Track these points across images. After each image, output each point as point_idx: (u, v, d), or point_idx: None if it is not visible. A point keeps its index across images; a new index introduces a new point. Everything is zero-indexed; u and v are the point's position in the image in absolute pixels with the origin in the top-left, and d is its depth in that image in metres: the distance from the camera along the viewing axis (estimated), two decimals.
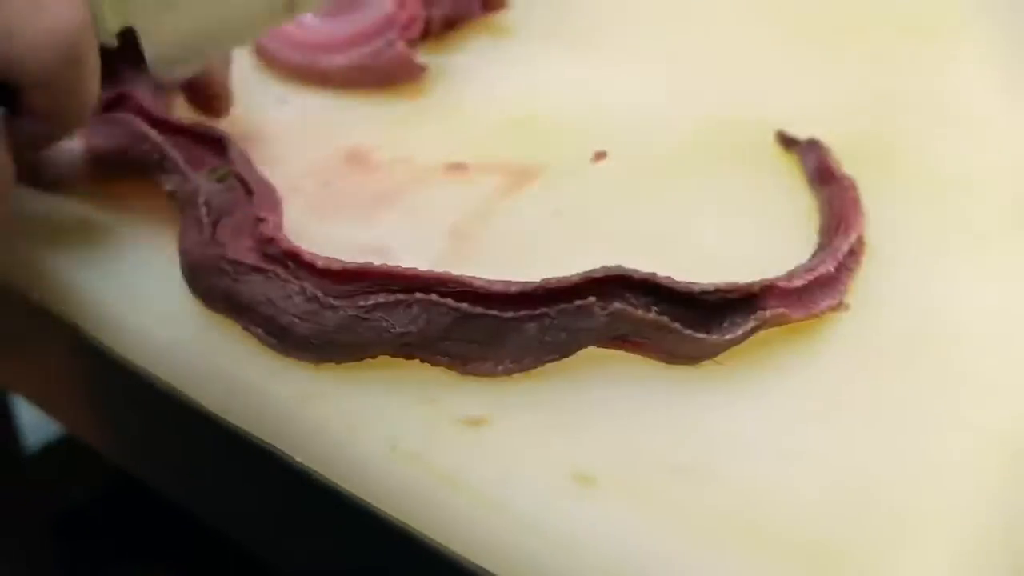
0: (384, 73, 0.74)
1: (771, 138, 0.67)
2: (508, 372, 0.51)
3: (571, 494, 0.47)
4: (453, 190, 0.65)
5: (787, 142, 0.66)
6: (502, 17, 0.80)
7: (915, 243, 0.60)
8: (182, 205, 0.56)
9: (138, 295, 0.59)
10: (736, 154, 0.67)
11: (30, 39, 0.48)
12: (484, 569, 0.48)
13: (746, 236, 0.60)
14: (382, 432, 0.51)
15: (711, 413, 0.51)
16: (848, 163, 0.63)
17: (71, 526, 1.12)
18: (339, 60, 0.74)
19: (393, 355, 0.51)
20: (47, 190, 0.61)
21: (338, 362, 0.52)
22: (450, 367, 0.51)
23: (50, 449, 1.08)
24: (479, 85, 0.75)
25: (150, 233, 0.62)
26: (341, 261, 0.51)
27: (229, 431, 0.55)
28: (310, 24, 0.75)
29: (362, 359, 0.51)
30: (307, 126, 0.71)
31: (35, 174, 0.59)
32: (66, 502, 1.10)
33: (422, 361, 0.51)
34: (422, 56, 0.74)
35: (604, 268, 0.50)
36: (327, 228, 0.61)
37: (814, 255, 0.56)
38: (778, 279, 0.52)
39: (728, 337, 0.51)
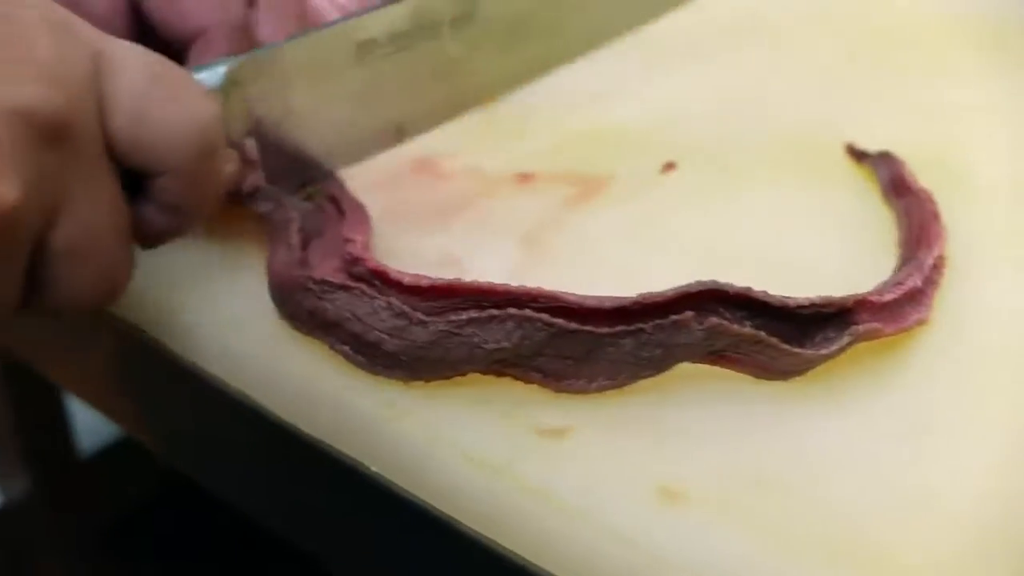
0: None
1: (840, 150, 0.66)
2: (601, 389, 0.49)
3: (658, 507, 0.46)
4: (523, 200, 0.64)
5: (858, 155, 0.65)
6: None
7: (991, 255, 0.59)
8: (273, 227, 0.55)
9: (216, 302, 0.58)
10: (805, 166, 0.66)
11: (165, 127, 0.48)
12: None
13: (816, 248, 0.59)
14: (461, 444, 0.50)
15: (799, 427, 0.49)
16: (919, 175, 0.62)
17: (125, 530, 1.10)
18: None
19: (483, 372, 0.50)
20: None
21: (427, 379, 0.50)
22: (542, 384, 0.50)
23: (104, 453, 1.06)
24: (546, 94, 0.72)
25: (233, 250, 0.60)
26: (429, 278, 0.50)
27: (306, 442, 0.54)
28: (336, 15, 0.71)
29: (451, 376, 0.50)
30: None
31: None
32: (120, 506, 1.08)
33: (514, 379, 0.50)
34: None
35: (699, 283, 0.48)
36: (397, 237, 0.60)
37: (899, 269, 0.55)
38: (869, 293, 0.51)
39: (824, 352, 0.49)
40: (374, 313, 0.50)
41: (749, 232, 0.61)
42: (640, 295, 0.48)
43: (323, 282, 0.51)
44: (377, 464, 0.52)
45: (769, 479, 0.47)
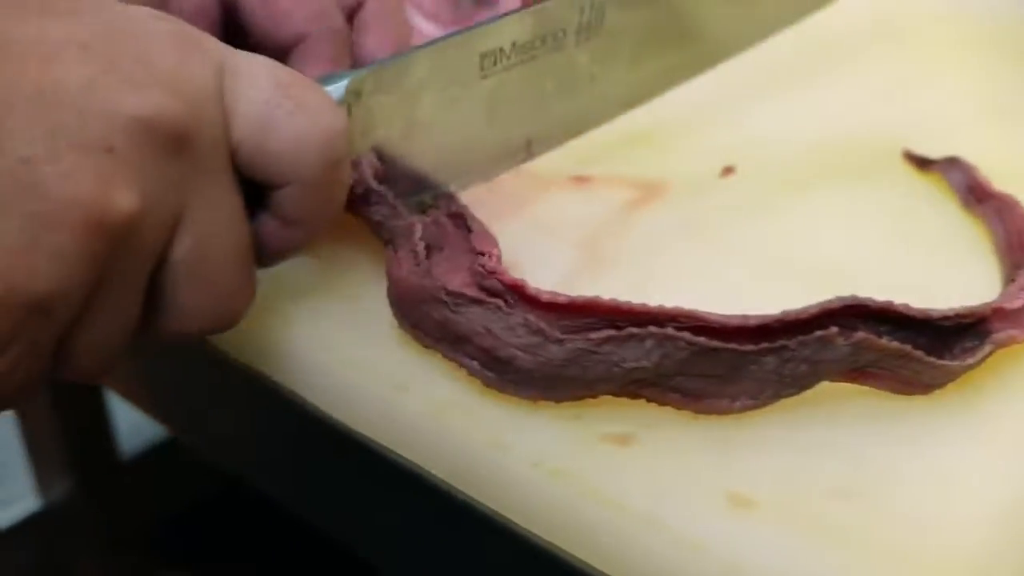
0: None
1: (899, 154, 0.64)
2: (744, 408, 0.47)
3: (728, 515, 0.45)
4: (579, 203, 0.62)
5: (920, 162, 0.63)
6: None
7: None
8: (391, 236, 0.53)
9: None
10: (865, 170, 0.64)
11: (292, 137, 0.45)
12: None
13: (878, 251, 0.58)
14: (526, 449, 0.48)
15: (874, 438, 0.48)
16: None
17: (166, 532, 1.09)
18: None
19: (617, 394, 0.48)
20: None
21: (558, 400, 0.48)
22: (681, 405, 0.48)
23: (146, 456, 1.05)
24: None
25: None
26: (567, 295, 0.47)
27: (363, 444, 0.53)
28: (432, 32, 0.69)
29: (584, 397, 0.48)
30: None
31: None
32: (161, 509, 1.07)
33: (648, 400, 0.48)
34: None
35: (840, 298, 0.47)
36: None
37: (1007, 276, 0.53)
38: (999, 301, 0.49)
39: (969, 362, 0.48)
40: (509, 329, 0.48)
41: (811, 237, 0.59)
42: (782, 312, 0.46)
43: (457, 294, 0.49)
44: (440, 469, 0.50)
45: (839, 488, 0.46)
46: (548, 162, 0.64)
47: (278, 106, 0.45)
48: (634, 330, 0.46)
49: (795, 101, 0.70)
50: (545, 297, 0.47)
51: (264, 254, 0.48)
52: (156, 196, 0.42)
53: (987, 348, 0.48)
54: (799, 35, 0.75)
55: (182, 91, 0.43)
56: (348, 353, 0.53)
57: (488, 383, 0.49)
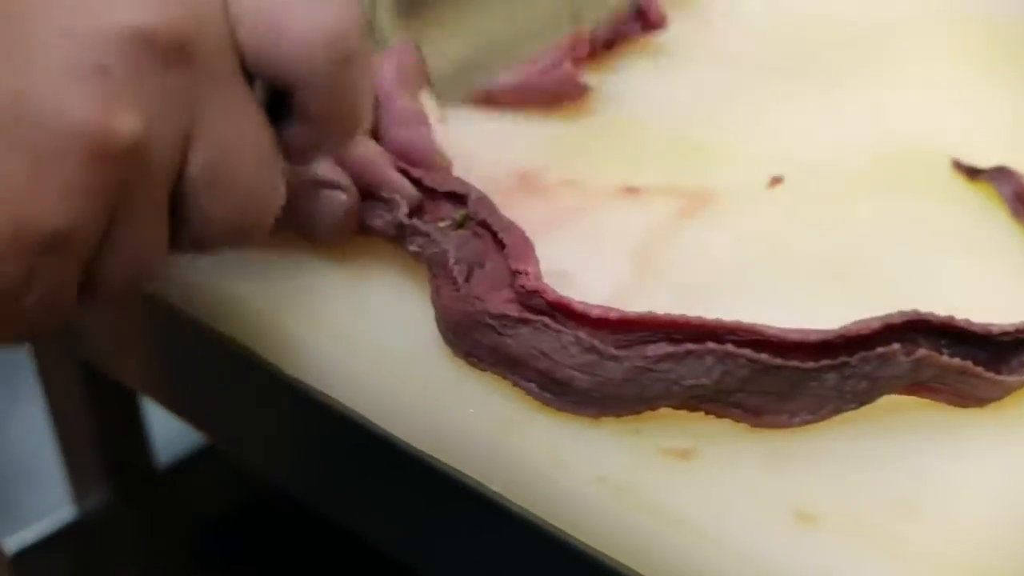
0: (550, 93, 0.70)
1: (947, 162, 0.64)
2: (804, 423, 0.47)
3: (791, 530, 0.45)
4: (628, 214, 0.62)
5: (968, 171, 0.62)
6: (656, 37, 0.76)
7: None
8: (430, 264, 0.53)
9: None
10: (913, 179, 0.64)
11: (298, 37, 0.42)
12: None
13: (927, 260, 0.57)
14: (587, 465, 0.48)
15: (934, 451, 0.48)
16: None
17: (203, 541, 1.08)
18: (505, 80, 0.70)
19: (676, 407, 0.48)
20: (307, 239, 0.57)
21: (618, 415, 0.48)
22: (740, 419, 0.47)
23: (182, 465, 1.04)
24: (643, 106, 0.71)
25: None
26: (618, 311, 0.47)
27: (424, 462, 0.52)
28: None
29: (643, 412, 0.48)
30: (476, 146, 0.67)
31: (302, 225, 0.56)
32: (198, 518, 1.07)
33: (707, 413, 0.48)
34: (584, 77, 0.71)
35: (901, 313, 0.46)
36: None
37: None
38: None
39: None
40: (562, 348, 0.47)
41: (859, 247, 0.59)
42: (843, 328, 0.46)
43: (501, 316, 0.49)
44: (498, 482, 0.50)
45: (902, 502, 0.45)
46: (593, 173, 0.65)
47: (285, 6, 0.43)
48: (692, 346, 0.46)
49: (842, 111, 0.70)
50: (595, 313, 0.47)
51: (292, 156, 0.46)
52: (161, 112, 0.40)
53: None
54: (843, 44, 0.75)
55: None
56: (404, 371, 0.53)
57: (547, 403, 0.49)
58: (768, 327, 0.46)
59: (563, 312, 0.48)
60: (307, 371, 0.57)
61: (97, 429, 1.00)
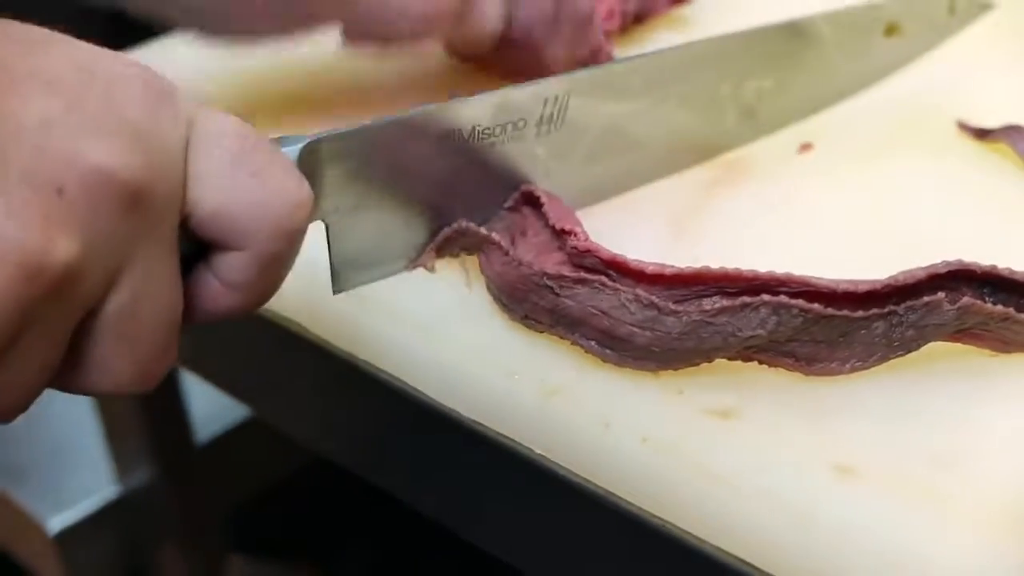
0: (583, 66, 0.68)
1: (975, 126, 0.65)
2: (854, 370, 0.49)
3: (832, 484, 0.46)
4: (665, 181, 0.63)
5: (977, 132, 0.64)
6: (683, 10, 0.78)
7: None
8: (475, 245, 0.55)
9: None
10: (938, 142, 0.65)
11: (251, 203, 0.44)
12: (742, 559, 0.47)
13: (956, 219, 0.59)
14: (632, 425, 0.50)
15: (972, 402, 0.49)
16: None
17: (245, 516, 1.10)
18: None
19: (731, 359, 0.50)
20: None
21: (675, 368, 0.50)
22: (792, 368, 0.50)
23: (221, 441, 1.06)
24: None
25: None
26: (672, 266, 0.49)
27: (471, 429, 0.54)
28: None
29: (699, 364, 0.50)
30: None
31: None
32: (240, 493, 1.08)
33: (761, 363, 0.50)
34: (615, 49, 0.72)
35: (946, 263, 0.49)
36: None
37: None
38: None
39: None
40: (621, 306, 0.49)
41: (890, 209, 0.60)
42: (890, 278, 0.48)
43: (559, 276, 0.51)
44: (546, 449, 0.52)
45: (939, 453, 0.47)
46: None
47: (241, 170, 0.44)
48: (747, 299, 0.48)
49: None
50: (651, 269, 0.49)
51: (195, 313, 0.46)
52: (99, 249, 0.40)
53: None
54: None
55: (147, 145, 0.41)
56: (453, 339, 0.55)
57: (607, 360, 0.51)
58: (819, 279, 0.48)
59: (618, 270, 0.50)
60: (356, 344, 0.59)
61: (139, 408, 1.01)
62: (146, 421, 1.02)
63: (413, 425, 0.59)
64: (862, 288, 0.48)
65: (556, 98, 0.56)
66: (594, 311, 0.50)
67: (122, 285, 0.41)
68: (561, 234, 0.52)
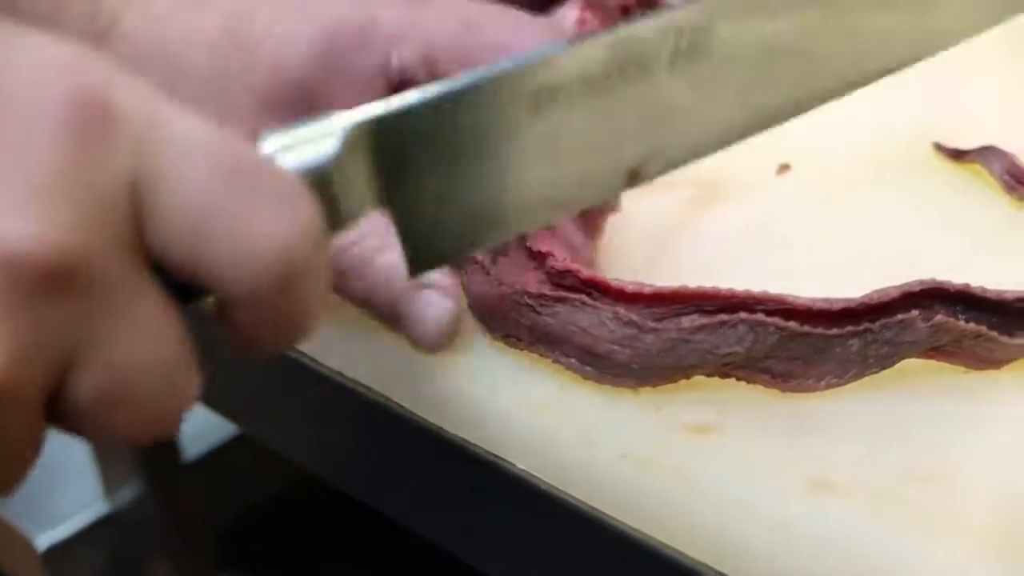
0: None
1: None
2: (830, 386, 0.51)
3: (809, 498, 0.47)
4: (644, 202, 0.62)
5: (953, 153, 0.65)
6: None
7: None
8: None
9: None
10: (916, 164, 0.66)
11: (231, 243, 0.35)
12: (722, 573, 0.48)
13: (934, 241, 0.60)
14: (611, 441, 0.51)
15: (950, 419, 0.51)
16: None
17: (232, 535, 1.11)
18: None
19: (709, 375, 0.51)
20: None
21: (655, 385, 0.51)
22: (770, 384, 0.51)
23: (208, 459, 1.07)
24: None
25: None
26: (650, 285, 0.50)
27: (452, 443, 0.55)
28: None
29: (678, 380, 0.51)
30: None
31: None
32: (227, 511, 1.09)
33: (738, 379, 0.51)
34: None
35: (920, 282, 0.50)
36: None
37: None
38: None
39: None
40: (601, 324, 0.50)
41: (867, 231, 0.61)
42: (864, 296, 0.50)
43: (539, 296, 0.52)
44: (517, 457, 0.53)
45: (915, 467, 0.48)
46: None
47: (217, 199, 0.35)
48: (725, 317, 0.49)
49: (847, 101, 0.70)
50: (630, 288, 0.50)
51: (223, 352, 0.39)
52: (32, 346, 0.33)
53: None
54: None
55: (69, 207, 0.33)
56: (439, 358, 0.55)
57: (587, 377, 0.52)
58: (795, 297, 0.50)
59: (598, 289, 0.51)
60: (344, 364, 0.60)
61: None
62: None
63: (398, 444, 0.59)
64: (837, 306, 0.49)
65: (693, 28, 0.45)
66: (574, 329, 0.51)
67: (85, 365, 0.34)
68: (537, 256, 0.53)
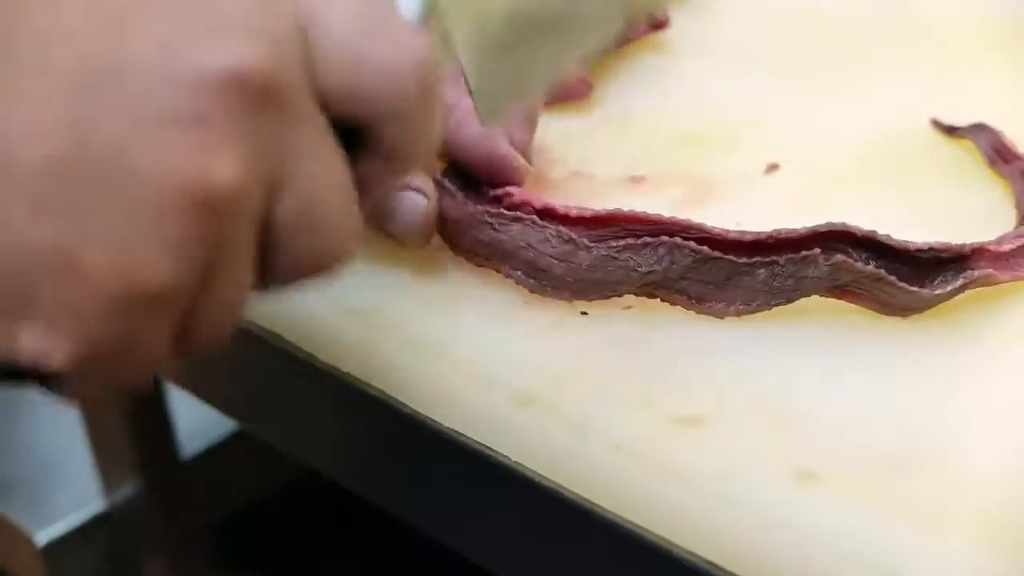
0: (557, 90, 0.73)
1: (940, 142, 0.69)
2: (739, 313, 0.57)
3: (796, 488, 0.49)
4: (637, 202, 0.64)
5: (947, 129, 0.69)
6: (659, 34, 0.81)
7: None
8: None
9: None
10: (904, 166, 0.68)
11: (382, 70, 0.43)
12: (712, 563, 0.49)
13: (927, 235, 0.61)
14: (604, 433, 0.53)
15: (929, 408, 0.53)
16: None
17: (230, 532, 1.14)
18: None
19: (636, 294, 0.58)
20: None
21: (589, 299, 0.58)
22: (687, 306, 0.57)
23: (206, 456, 1.10)
24: (644, 100, 0.76)
25: None
26: (592, 209, 0.58)
27: (441, 435, 0.57)
28: None
29: (610, 297, 0.58)
30: None
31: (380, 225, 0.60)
32: (225, 508, 1.12)
33: (661, 300, 0.58)
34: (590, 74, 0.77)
35: (829, 224, 0.56)
36: None
37: (1018, 224, 0.60)
38: (987, 243, 0.56)
39: (938, 292, 0.55)
40: (545, 241, 0.58)
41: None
42: (774, 231, 0.56)
43: (498, 214, 0.59)
44: (509, 451, 0.55)
45: (897, 455, 0.50)
46: (600, 165, 0.70)
47: (364, 38, 0.43)
48: (648, 239, 0.56)
49: (834, 101, 0.74)
50: (574, 212, 0.58)
51: (366, 194, 0.45)
52: (254, 157, 0.40)
53: (960, 281, 0.56)
54: (837, 32, 0.81)
55: (265, 38, 0.40)
56: (434, 350, 0.58)
57: (531, 289, 0.59)
58: (714, 227, 0.57)
59: (549, 215, 0.59)
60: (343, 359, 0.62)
61: (126, 423, 1.05)
62: (133, 435, 1.04)
63: (395, 435, 0.61)
64: (748, 238, 0.56)
65: None
66: (522, 244, 0.58)
67: (288, 183, 0.41)
68: (499, 197, 0.61)
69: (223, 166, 0.39)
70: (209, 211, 0.39)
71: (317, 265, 0.44)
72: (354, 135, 0.44)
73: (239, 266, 0.41)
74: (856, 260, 0.56)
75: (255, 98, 0.40)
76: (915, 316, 0.56)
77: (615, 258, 0.57)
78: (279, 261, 0.43)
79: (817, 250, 0.55)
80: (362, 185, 0.45)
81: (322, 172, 0.43)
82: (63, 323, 0.39)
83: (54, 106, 0.38)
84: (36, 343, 0.39)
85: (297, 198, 0.42)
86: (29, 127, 0.38)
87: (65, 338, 0.39)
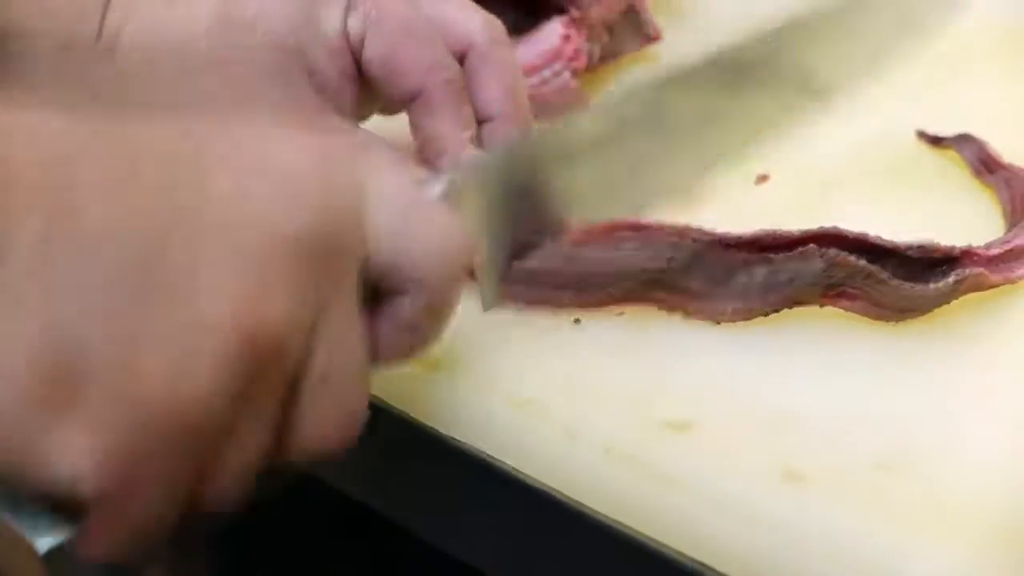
0: (550, 104, 0.75)
1: (926, 152, 0.70)
2: (735, 316, 0.58)
3: (784, 489, 0.50)
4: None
5: (933, 140, 0.70)
6: (651, 47, 0.82)
7: None
8: None
9: None
10: (895, 172, 0.69)
11: (426, 246, 0.47)
12: (703, 564, 0.50)
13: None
14: (596, 437, 0.54)
15: (917, 410, 0.54)
16: None
17: (229, 536, 1.14)
18: None
19: (635, 294, 0.59)
20: None
21: (588, 299, 0.60)
22: (684, 306, 0.59)
23: None
24: None
25: None
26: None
27: (440, 439, 0.58)
28: None
29: (610, 298, 0.60)
30: None
31: None
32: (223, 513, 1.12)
33: (659, 303, 0.59)
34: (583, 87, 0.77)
35: (821, 227, 0.58)
36: None
37: (1007, 231, 0.61)
38: (977, 247, 0.57)
39: (932, 287, 0.56)
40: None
41: None
42: (770, 230, 0.58)
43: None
44: (509, 457, 0.56)
45: (883, 456, 0.51)
46: None
47: (411, 217, 0.47)
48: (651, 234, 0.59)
49: (824, 111, 0.72)
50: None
51: (375, 360, 0.48)
52: (300, 308, 0.43)
53: (952, 279, 0.57)
54: None
55: (331, 205, 0.44)
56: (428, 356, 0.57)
57: (529, 301, 0.60)
58: (713, 230, 0.59)
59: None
60: None
61: None
62: None
63: (394, 443, 0.61)
64: (747, 236, 0.58)
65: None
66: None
67: (320, 340, 0.44)
68: None
69: (275, 308, 0.42)
70: (254, 346, 0.41)
71: (333, 431, 0.45)
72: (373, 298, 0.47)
73: (268, 412, 0.43)
74: (850, 255, 0.57)
75: (313, 257, 0.43)
76: (906, 320, 0.57)
77: (619, 249, 0.59)
78: (300, 421, 0.45)
79: (813, 245, 0.57)
80: (374, 348, 0.48)
81: (347, 331, 0.45)
82: (105, 427, 0.40)
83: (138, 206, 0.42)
84: (71, 450, 0.40)
85: (326, 352, 0.44)
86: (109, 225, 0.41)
87: (101, 448, 0.40)
